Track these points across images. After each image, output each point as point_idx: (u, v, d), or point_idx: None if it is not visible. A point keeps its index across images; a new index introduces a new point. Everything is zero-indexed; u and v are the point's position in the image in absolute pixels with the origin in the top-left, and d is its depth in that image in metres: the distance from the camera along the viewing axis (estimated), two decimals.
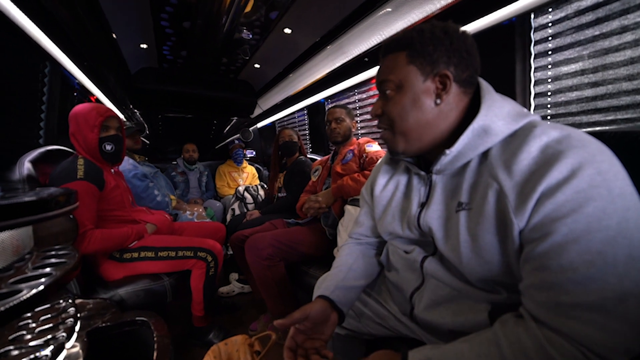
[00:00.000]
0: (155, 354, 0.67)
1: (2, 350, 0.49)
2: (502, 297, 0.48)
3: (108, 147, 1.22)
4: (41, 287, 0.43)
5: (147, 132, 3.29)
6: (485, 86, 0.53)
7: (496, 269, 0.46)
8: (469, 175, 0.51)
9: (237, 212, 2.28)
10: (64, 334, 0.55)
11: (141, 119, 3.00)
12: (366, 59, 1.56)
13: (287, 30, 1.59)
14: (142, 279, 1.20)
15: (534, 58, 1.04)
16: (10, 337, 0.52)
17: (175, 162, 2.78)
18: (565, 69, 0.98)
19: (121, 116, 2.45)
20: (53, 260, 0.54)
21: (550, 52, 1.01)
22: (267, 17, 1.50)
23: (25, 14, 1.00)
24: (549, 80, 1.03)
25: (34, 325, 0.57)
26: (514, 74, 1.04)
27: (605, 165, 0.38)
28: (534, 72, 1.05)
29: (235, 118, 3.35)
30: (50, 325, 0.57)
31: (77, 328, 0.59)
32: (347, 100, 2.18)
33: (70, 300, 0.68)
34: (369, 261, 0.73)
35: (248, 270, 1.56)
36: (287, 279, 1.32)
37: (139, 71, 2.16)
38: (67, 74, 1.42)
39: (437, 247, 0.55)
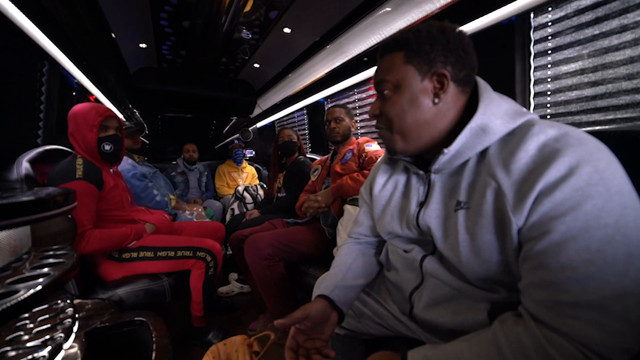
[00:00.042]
0: (154, 354, 0.67)
1: None
2: (502, 296, 0.48)
3: (107, 147, 1.22)
4: (39, 288, 0.43)
5: (147, 132, 3.29)
6: (483, 85, 0.53)
7: (495, 267, 0.46)
8: (467, 174, 0.51)
9: (237, 212, 2.28)
10: (62, 335, 0.54)
11: (140, 118, 2.99)
12: (365, 59, 1.55)
13: (287, 30, 1.59)
14: (141, 279, 1.20)
15: (534, 57, 1.04)
16: (8, 338, 0.52)
17: (175, 162, 2.78)
18: (564, 68, 0.98)
19: (120, 116, 2.46)
20: (51, 260, 0.53)
21: (549, 52, 1.01)
22: (266, 17, 1.50)
23: (24, 13, 0.99)
24: (549, 79, 1.02)
25: (31, 325, 0.57)
26: (513, 73, 1.03)
27: (603, 163, 0.38)
28: (534, 71, 1.05)
29: (235, 118, 3.35)
30: (48, 325, 0.57)
31: (75, 328, 0.59)
32: (346, 100, 2.18)
33: (68, 301, 0.67)
34: (368, 260, 0.73)
35: (247, 270, 1.56)
36: (286, 278, 1.32)
37: (138, 71, 2.15)
38: (66, 73, 1.42)
39: (436, 246, 0.55)
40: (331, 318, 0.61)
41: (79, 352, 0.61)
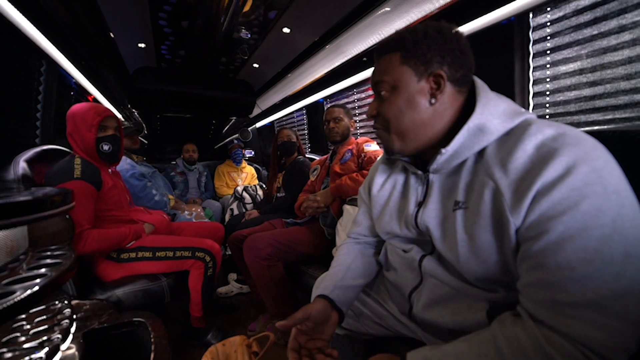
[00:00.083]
0: (152, 355, 0.67)
1: None
2: (501, 296, 0.48)
3: (105, 147, 1.21)
4: (36, 288, 0.42)
5: (146, 132, 3.28)
6: (481, 85, 0.53)
7: (493, 267, 0.46)
8: (465, 174, 0.51)
9: (236, 212, 2.28)
10: (59, 336, 0.54)
11: (139, 118, 2.99)
12: (365, 59, 1.55)
13: (286, 30, 1.58)
14: (139, 279, 1.20)
15: (533, 57, 1.04)
16: (4, 340, 0.52)
17: (174, 162, 2.77)
18: (563, 68, 0.98)
19: (119, 116, 2.45)
20: (48, 260, 0.53)
21: (548, 52, 1.01)
22: (265, 17, 1.49)
23: (21, 12, 0.99)
24: (548, 79, 1.03)
25: (28, 327, 0.56)
26: (512, 73, 1.04)
27: (600, 162, 0.38)
28: (533, 71, 1.05)
29: (234, 118, 3.34)
30: (45, 326, 0.56)
31: (72, 329, 0.59)
32: (345, 100, 2.18)
33: (66, 302, 0.67)
34: (368, 260, 0.73)
35: (247, 271, 1.56)
36: (285, 279, 1.31)
37: (137, 71, 2.15)
38: (64, 73, 1.41)
39: (435, 246, 0.55)
40: (332, 318, 0.61)
41: (76, 353, 0.60)
